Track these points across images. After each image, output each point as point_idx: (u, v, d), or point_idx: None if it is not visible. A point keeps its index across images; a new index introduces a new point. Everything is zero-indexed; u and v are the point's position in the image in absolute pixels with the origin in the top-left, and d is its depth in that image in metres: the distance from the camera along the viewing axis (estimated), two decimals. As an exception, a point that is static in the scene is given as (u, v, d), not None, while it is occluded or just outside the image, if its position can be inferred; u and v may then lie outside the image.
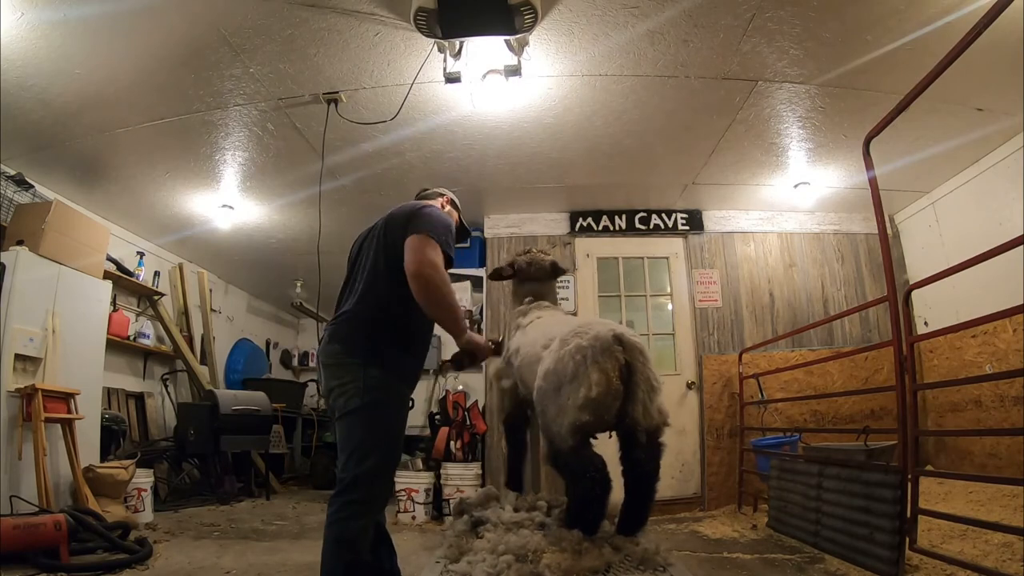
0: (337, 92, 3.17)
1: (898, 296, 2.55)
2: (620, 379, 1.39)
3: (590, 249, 4.94)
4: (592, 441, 1.48)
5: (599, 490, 1.38)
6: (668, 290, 4.93)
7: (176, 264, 5.71)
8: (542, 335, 1.69)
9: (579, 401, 1.38)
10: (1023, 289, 2.96)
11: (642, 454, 1.40)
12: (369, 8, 2.57)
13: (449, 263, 1.74)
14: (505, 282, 2.27)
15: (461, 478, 4.17)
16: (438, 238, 1.70)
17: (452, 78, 2.94)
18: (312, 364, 8.22)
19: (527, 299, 2.10)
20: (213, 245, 5.48)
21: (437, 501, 4.21)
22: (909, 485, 2.33)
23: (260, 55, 2.87)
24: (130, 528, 3.22)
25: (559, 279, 2.28)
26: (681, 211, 4.95)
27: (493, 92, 3.16)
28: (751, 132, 3.69)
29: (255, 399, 5.35)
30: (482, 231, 5.03)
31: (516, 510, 1.71)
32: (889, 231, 3.71)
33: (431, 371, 4.79)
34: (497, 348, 1.99)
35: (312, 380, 7.52)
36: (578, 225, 4.96)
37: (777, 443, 3.94)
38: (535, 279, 2.12)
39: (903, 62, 2.88)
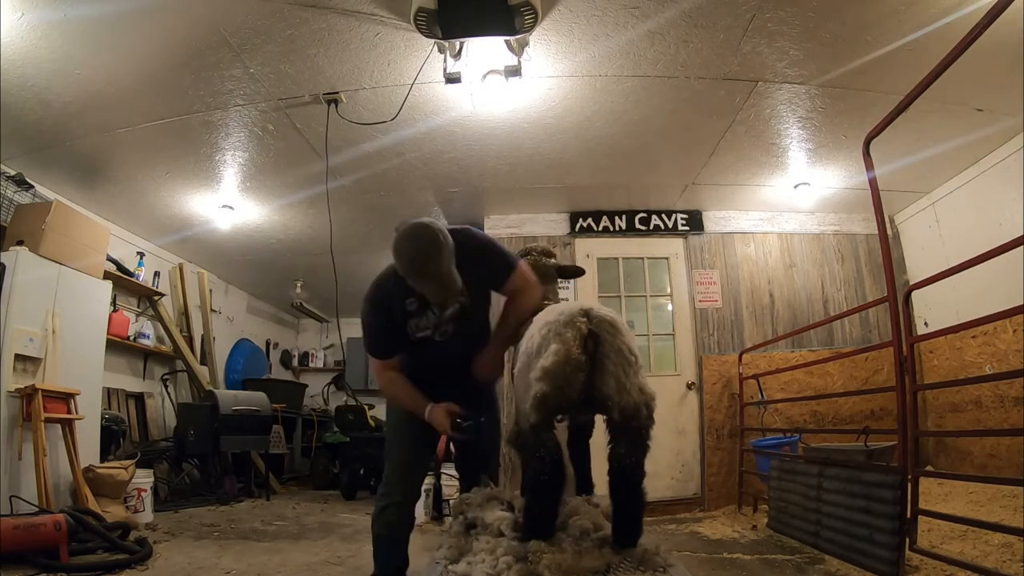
0: (337, 92, 3.17)
1: (898, 296, 2.54)
2: (583, 350, 1.32)
3: (590, 249, 4.94)
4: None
5: (548, 474, 1.31)
6: (668, 290, 4.93)
7: (176, 264, 5.71)
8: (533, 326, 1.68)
9: (537, 373, 1.33)
10: (1023, 289, 2.96)
11: (622, 448, 1.34)
12: (369, 8, 2.57)
13: (381, 356, 1.96)
14: None
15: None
16: (368, 351, 1.97)
17: (452, 78, 2.94)
18: (311, 364, 8.23)
19: None
20: (213, 245, 5.47)
21: (437, 501, 4.21)
22: (909, 485, 2.32)
23: (260, 55, 2.87)
24: (130, 528, 3.22)
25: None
26: (681, 211, 4.95)
27: (493, 92, 3.16)
28: (751, 132, 3.70)
29: (255, 399, 5.35)
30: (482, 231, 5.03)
31: (513, 510, 1.70)
32: (889, 231, 3.71)
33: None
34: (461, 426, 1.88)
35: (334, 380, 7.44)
36: (578, 225, 4.96)
37: (777, 444, 3.94)
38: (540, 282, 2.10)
39: (903, 62, 2.89)
